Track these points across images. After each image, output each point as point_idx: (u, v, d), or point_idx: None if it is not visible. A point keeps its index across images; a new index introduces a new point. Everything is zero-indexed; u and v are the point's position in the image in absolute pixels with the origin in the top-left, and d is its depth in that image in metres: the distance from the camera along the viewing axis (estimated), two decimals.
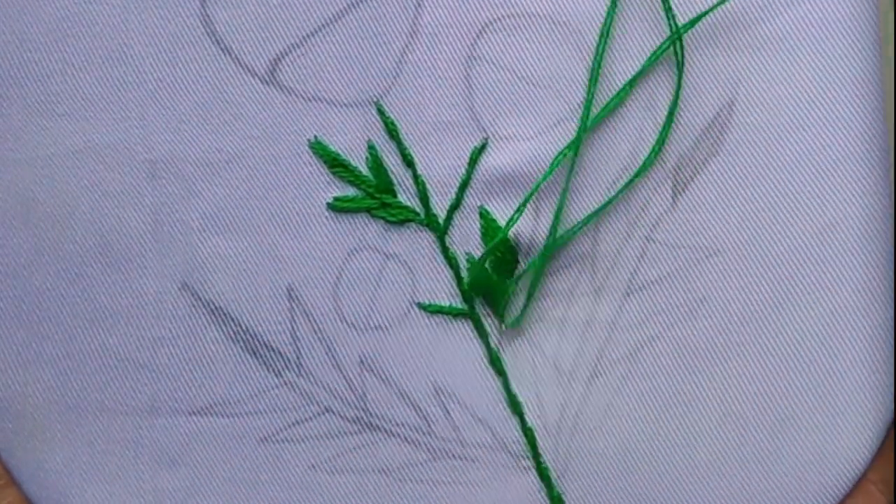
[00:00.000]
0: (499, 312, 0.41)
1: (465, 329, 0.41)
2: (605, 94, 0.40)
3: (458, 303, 0.41)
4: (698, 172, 0.40)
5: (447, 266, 0.41)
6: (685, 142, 0.40)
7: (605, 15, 0.40)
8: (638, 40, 0.40)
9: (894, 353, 0.41)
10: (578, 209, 0.40)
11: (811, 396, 0.41)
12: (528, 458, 0.41)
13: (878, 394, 0.41)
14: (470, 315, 0.41)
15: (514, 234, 0.41)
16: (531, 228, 0.41)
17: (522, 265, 0.41)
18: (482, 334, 0.41)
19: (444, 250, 0.41)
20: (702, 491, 0.41)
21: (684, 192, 0.40)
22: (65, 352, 0.41)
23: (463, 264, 0.41)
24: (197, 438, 0.41)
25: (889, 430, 0.41)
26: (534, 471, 0.41)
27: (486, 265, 0.41)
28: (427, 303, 0.41)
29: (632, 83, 0.40)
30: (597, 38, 0.40)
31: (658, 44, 0.40)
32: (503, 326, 0.41)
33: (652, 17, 0.40)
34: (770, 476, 0.41)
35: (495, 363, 0.41)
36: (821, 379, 0.41)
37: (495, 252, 0.40)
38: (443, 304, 0.41)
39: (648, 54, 0.40)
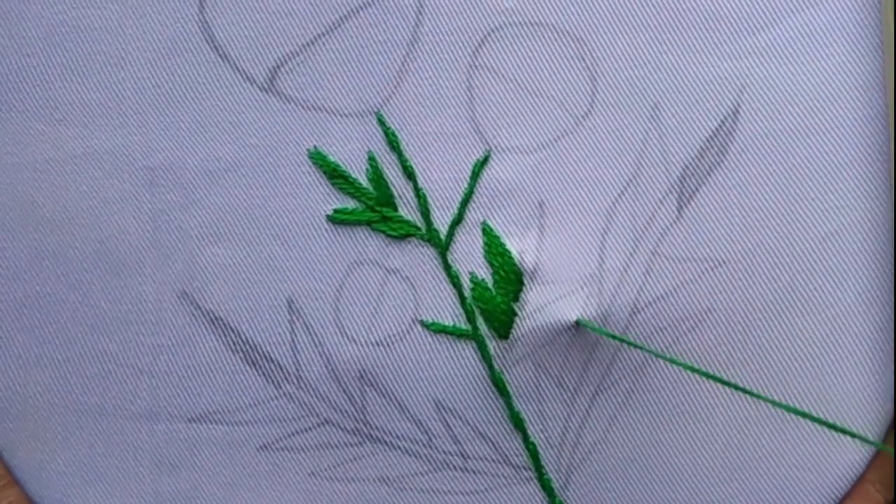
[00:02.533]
0: (501, 335, 0.41)
1: (468, 349, 0.41)
2: (610, 104, 0.40)
3: (461, 321, 0.41)
4: (703, 182, 0.40)
5: (450, 284, 0.41)
6: (690, 150, 0.40)
7: (607, 23, 0.39)
8: (642, 49, 0.40)
9: (894, 356, 0.41)
10: (583, 224, 0.40)
11: (811, 398, 0.41)
12: (529, 469, 0.41)
13: (877, 396, 0.41)
14: (473, 337, 0.41)
15: (520, 254, 0.40)
16: (536, 248, 0.40)
17: (527, 286, 0.41)
18: (486, 356, 0.41)
19: (447, 267, 0.40)
20: (703, 497, 0.41)
21: (690, 203, 0.40)
22: (65, 356, 0.41)
23: (466, 283, 0.41)
24: (197, 444, 0.41)
25: (888, 432, 0.41)
26: (536, 481, 0.41)
27: (490, 286, 0.41)
28: (430, 321, 0.41)
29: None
30: (600, 47, 0.39)
31: (662, 53, 0.39)
32: (504, 346, 0.41)
33: (656, 27, 0.40)
34: (770, 477, 0.41)
35: (498, 384, 0.41)
36: (821, 382, 0.41)
37: (500, 271, 0.40)
38: (446, 323, 0.41)
39: (652, 63, 0.39)
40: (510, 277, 0.40)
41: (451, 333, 0.41)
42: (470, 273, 0.41)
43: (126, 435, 0.42)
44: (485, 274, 0.41)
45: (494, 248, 0.40)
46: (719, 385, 0.41)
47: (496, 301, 0.40)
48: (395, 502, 0.42)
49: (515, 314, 0.41)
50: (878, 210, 0.40)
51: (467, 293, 0.41)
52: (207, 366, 0.41)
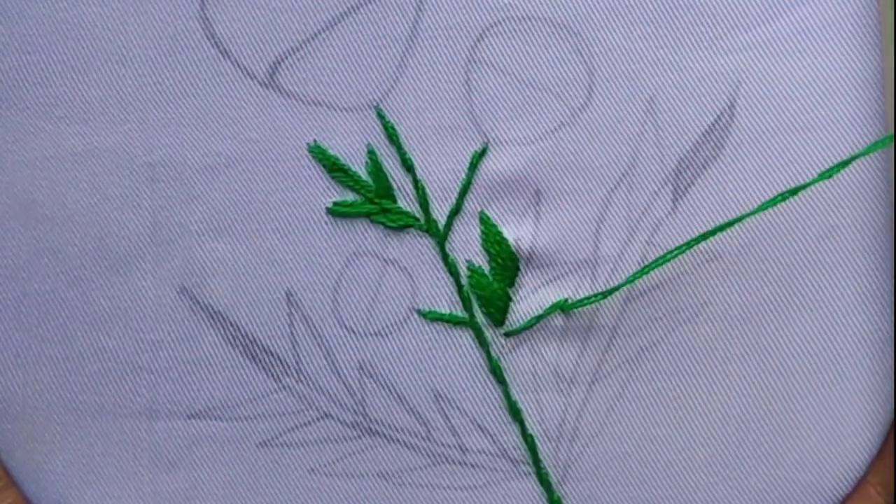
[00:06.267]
0: (497, 321, 0.41)
1: (465, 337, 0.41)
2: (606, 98, 0.40)
3: (458, 310, 0.41)
4: (699, 176, 0.40)
5: (447, 273, 0.41)
6: (686, 145, 0.40)
7: (604, 17, 0.40)
8: (638, 43, 0.40)
9: (894, 356, 0.41)
10: (579, 212, 0.40)
11: (811, 399, 0.41)
12: (528, 463, 0.41)
13: (878, 396, 0.41)
14: (470, 324, 0.41)
15: (516, 241, 0.40)
16: (532, 235, 0.40)
17: (523, 273, 0.41)
18: (483, 343, 0.41)
19: (444, 256, 0.41)
20: (702, 493, 0.41)
21: (685, 196, 0.40)
22: (64, 354, 0.41)
23: (463, 271, 0.41)
24: (196, 442, 0.41)
25: (889, 433, 0.41)
26: (534, 476, 0.41)
27: (487, 273, 0.41)
28: (427, 310, 0.41)
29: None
30: (597, 41, 0.40)
31: (659, 47, 0.40)
32: (501, 333, 0.41)
33: (653, 21, 0.40)
34: (770, 478, 0.41)
35: (496, 372, 0.41)
36: (821, 382, 0.41)
37: (497, 259, 0.41)
38: (443, 311, 0.41)
39: (648, 57, 0.40)
40: (507, 264, 0.40)
41: (448, 321, 0.41)
42: (467, 261, 0.41)
43: (125, 433, 0.42)
44: (482, 262, 0.41)
45: (492, 237, 0.40)
46: (715, 381, 0.41)
47: (493, 287, 0.41)
48: (394, 498, 0.41)
49: (511, 299, 0.41)
50: (876, 208, 0.40)
51: (464, 281, 0.41)
52: (207, 361, 0.41)
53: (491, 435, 0.41)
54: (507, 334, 0.41)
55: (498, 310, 0.41)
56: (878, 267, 0.41)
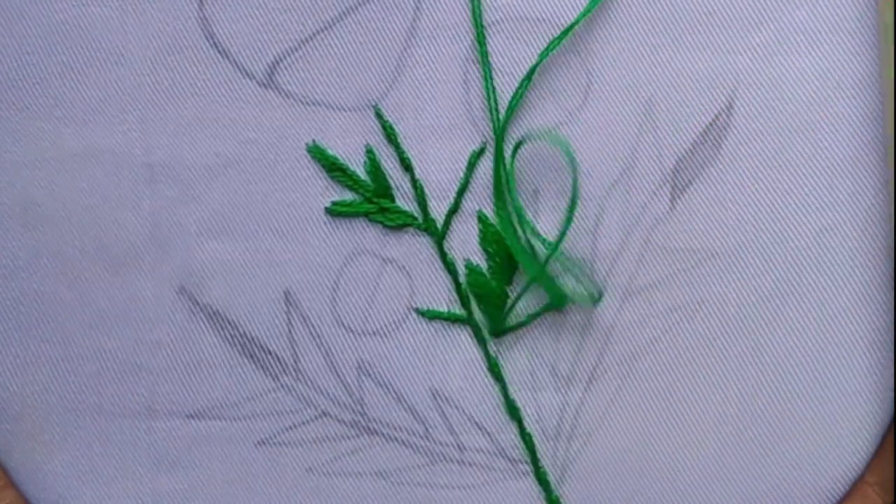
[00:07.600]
0: (495, 319, 0.41)
1: (463, 334, 0.41)
2: (604, 98, 0.40)
3: (456, 308, 0.41)
4: (697, 175, 0.40)
5: (445, 271, 0.41)
6: (684, 144, 0.40)
7: (603, 18, 0.40)
8: (637, 44, 0.40)
9: (893, 355, 0.41)
10: (577, 213, 0.40)
11: (809, 398, 0.41)
12: (526, 462, 0.41)
13: (876, 396, 0.41)
14: (468, 321, 0.41)
15: None
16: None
17: (520, 269, 0.41)
18: (480, 340, 0.41)
19: (443, 255, 0.41)
20: (699, 493, 0.41)
21: (683, 195, 0.40)
22: (63, 354, 0.41)
23: (461, 269, 0.41)
24: (195, 441, 0.41)
25: (887, 433, 0.41)
26: (532, 475, 0.41)
27: (485, 271, 0.41)
28: (425, 308, 0.41)
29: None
30: (595, 42, 0.40)
31: (657, 48, 0.40)
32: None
33: (651, 22, 0.40)
34: (768, 478, 0.41)
35: (493, 369, 0.41)
36: (819, 381, 0.41)
37: (495, 258, 0.41)
38: (441, 309, 0.41)
39: (647, 58, 0.40)
40: (505, 263, 0.41)
41: (447, 319, 0.41)
42: (465, 260, 0.41)
43: (124, 433, 0.41)
44: (480, 260, 0.41)
45: (490, 236, 0.40)
46: (712, 379, 0.41)
47: (491, 286, 0.41)
48: (392, 496, 0.41)
49: (509, 297, 0.41)
50: (874, 207, 0.40)
51: (462, 279, 0.41)
52: (206, 360, 0.41)
53: (489, 433, 0.41)
54: (504, 331, 0.41)
55: (496, 308, 0.41)
56: (877, 266, 0.41)
